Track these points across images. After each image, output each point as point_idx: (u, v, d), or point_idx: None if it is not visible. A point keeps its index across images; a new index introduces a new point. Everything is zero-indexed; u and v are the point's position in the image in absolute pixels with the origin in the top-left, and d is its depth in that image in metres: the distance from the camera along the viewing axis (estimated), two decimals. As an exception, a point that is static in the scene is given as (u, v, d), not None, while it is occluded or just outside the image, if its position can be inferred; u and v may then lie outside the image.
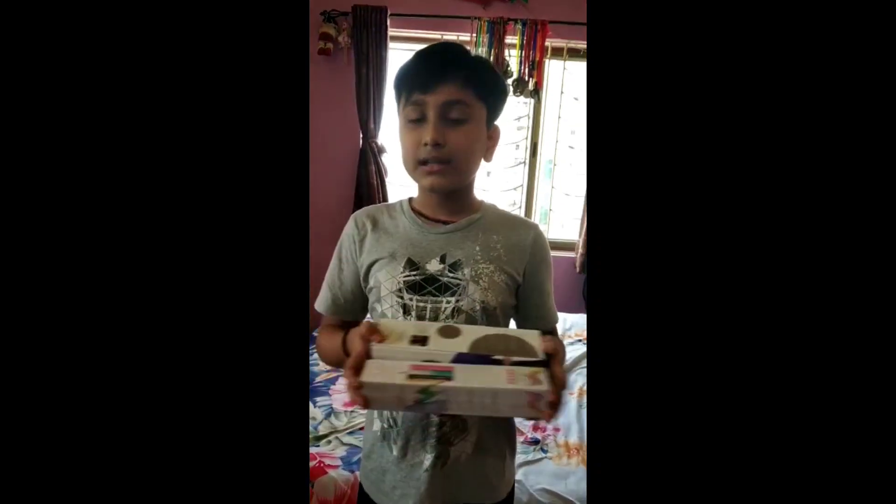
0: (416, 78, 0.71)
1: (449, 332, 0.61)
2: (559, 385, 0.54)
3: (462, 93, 0.69)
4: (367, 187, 2.55)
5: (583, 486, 1.35)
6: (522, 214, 2.72)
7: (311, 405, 1.66)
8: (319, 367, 1.85)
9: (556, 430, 1.60)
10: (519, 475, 1.37)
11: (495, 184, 2.75)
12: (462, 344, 0.59)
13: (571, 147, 2.65)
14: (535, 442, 1.53)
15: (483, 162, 0.77)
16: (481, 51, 2.39)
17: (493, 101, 0.74)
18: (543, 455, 1.48)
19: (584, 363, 2.00)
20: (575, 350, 2.09)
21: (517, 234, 0.78)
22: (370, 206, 0.84)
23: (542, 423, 1.59)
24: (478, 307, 0.72)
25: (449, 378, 0.54)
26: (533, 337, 0.61)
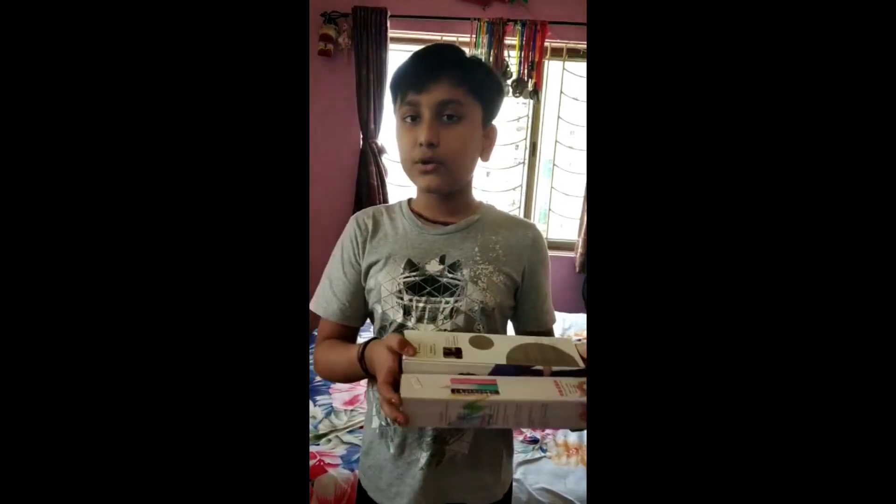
0: (411, 78, 0.71)
1: (481, 343, 0.59)
2: None
3: (456, 92, 0.69)
4: (368, 188, 2.55)
5: (582, 486, 1.35)
6: (522, 214, 2.72)
7: (311, 404, 1.66)
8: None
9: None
10: (518, 474, 1.37)
11: (495, 184, 2.76)
12: (498, 355, 0.57)
13: (571, 147, 2.65)
14: (535, 441, 1.53)
15: (481, 162, 0.77)
16: (481, 52, 2.40)
17: (489, 100, 0.74)
18: (543, 454, 1.48)
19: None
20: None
21: (516, 234, 0.78)
22: (370, 207, 0.84)
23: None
24: (476, 307, 0.72)
25: (496, 391, 0.52)
26: (568, 345, 0.59)
